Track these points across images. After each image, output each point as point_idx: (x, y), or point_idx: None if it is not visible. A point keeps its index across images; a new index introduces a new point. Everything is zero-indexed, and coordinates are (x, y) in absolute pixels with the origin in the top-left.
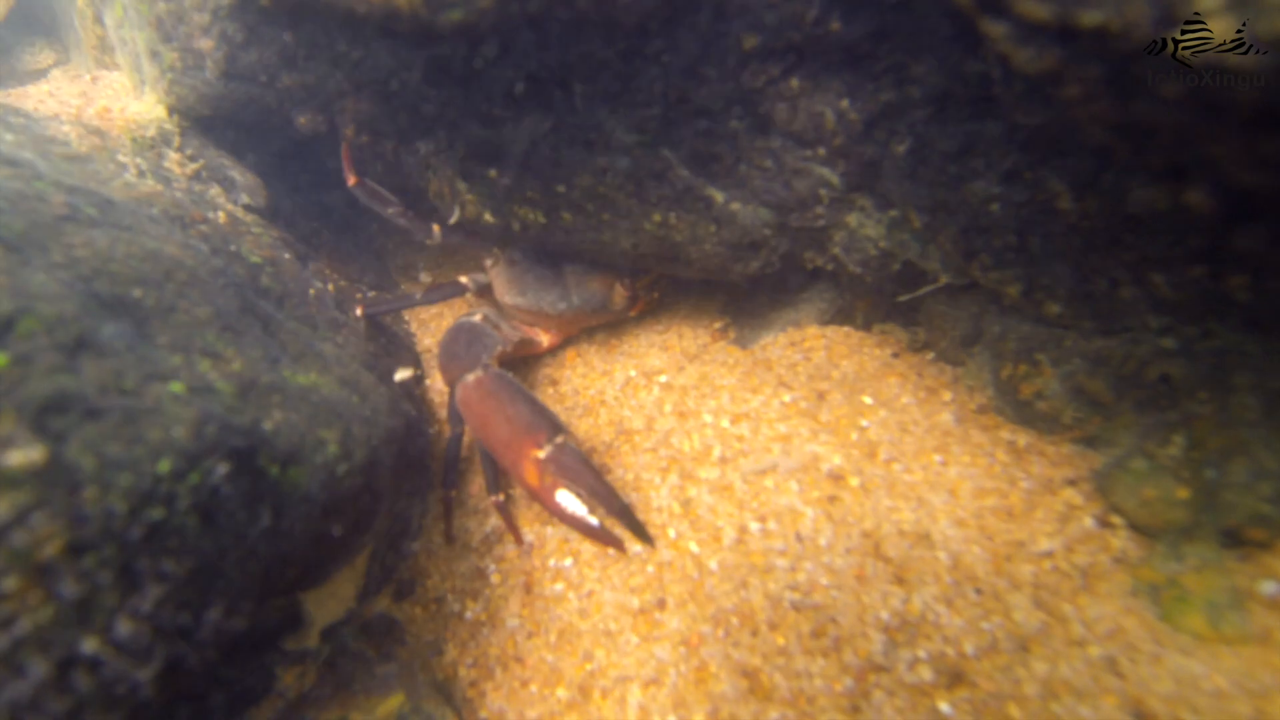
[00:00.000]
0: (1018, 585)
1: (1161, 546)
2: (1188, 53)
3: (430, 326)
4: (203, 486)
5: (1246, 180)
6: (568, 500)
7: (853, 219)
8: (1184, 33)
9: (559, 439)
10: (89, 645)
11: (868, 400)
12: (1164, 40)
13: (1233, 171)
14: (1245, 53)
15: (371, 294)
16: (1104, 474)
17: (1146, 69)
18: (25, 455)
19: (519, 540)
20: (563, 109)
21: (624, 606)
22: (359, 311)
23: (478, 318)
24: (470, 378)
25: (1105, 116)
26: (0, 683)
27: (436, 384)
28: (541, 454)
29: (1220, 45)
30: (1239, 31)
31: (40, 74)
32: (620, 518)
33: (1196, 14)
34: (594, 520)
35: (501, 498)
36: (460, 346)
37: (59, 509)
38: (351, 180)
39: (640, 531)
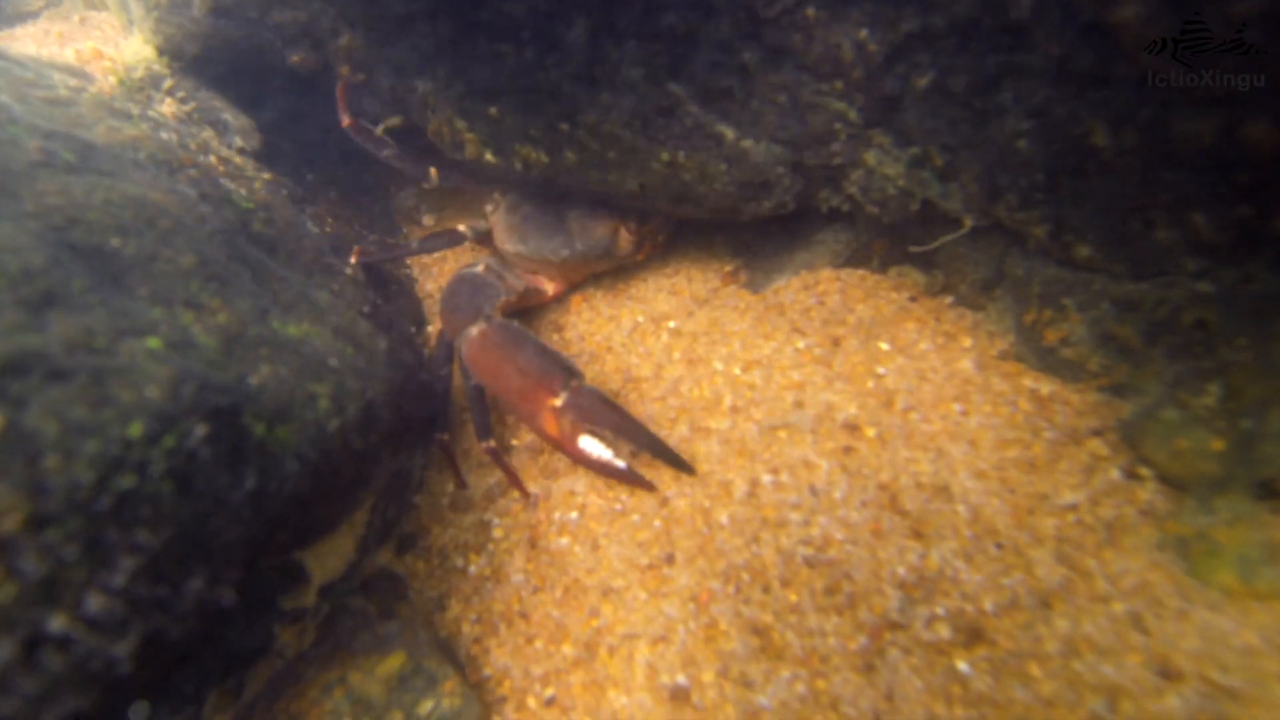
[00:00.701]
0: (1040, 539)
1: (1191, 499)
2: None
3: (432, 271)
4: (179, 450)
5: None
6: (591, 445)
7: (871, 157)
8: None
9: (574, 383)
10: (57, 623)
11: (884, 346)
12: None
13: None
14: None
15: (371, 239)
16: (1132, 424)
17: None
18: None
19: (523, 493)
20: (566, 42)
21: (632, 561)
22: (354, 258)
23: (480, 268)
24: (474, 330)
25: (1150, 30)
26: None
27: (438, 329)
28: (559, 401)
29: None
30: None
31: (31, 16)
32: (652, 451)
33: None
34: (621, 463)
35: (492, 444)
36: (462, 298)
37: (18, 480)
38: (346, 121)
39: (677, 461)
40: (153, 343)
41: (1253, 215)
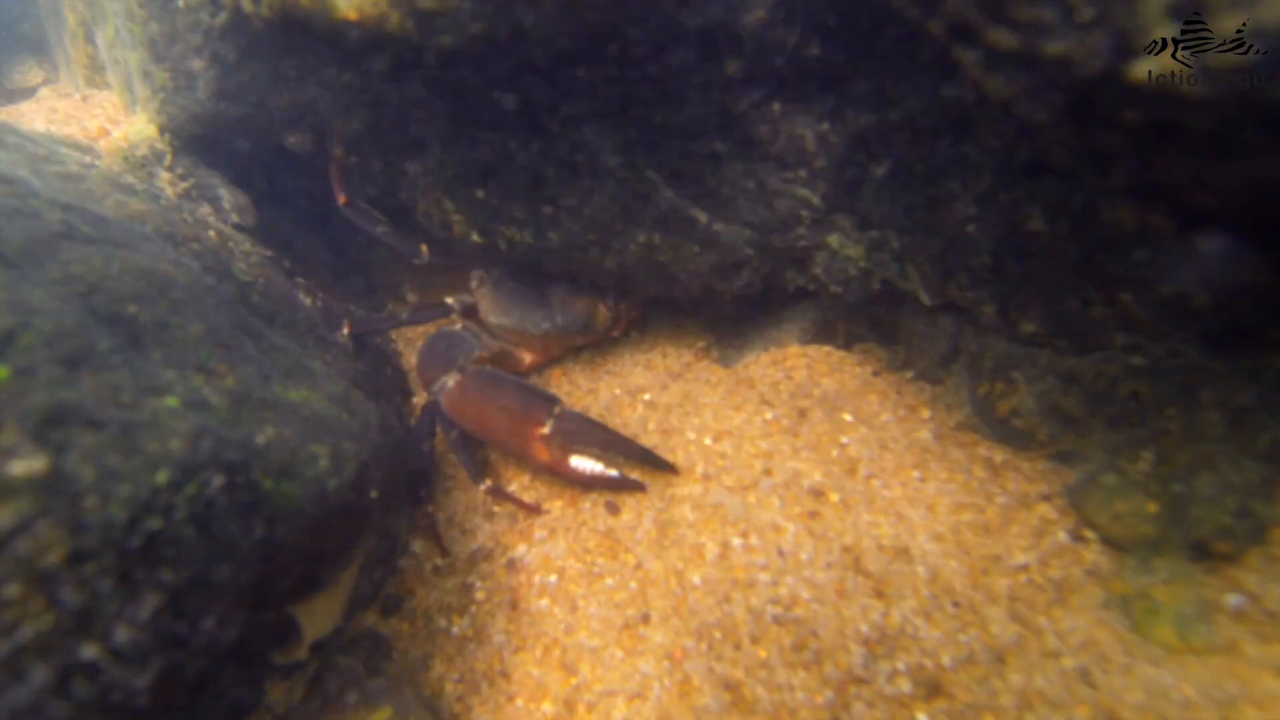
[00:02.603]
0: (994, 598)
1: (1132, 560)
2: (1145, 79)
3: (416, 345)
4: (199, 498)
5: (1201, 201)
6: (582, 463)
7: (833, 239)
8: (1140, 62)
9: (557, 409)
10: (88, 652)
11: (848, 418)
12: (1120, 70)
13: (1188, 193)
14: (1195, 82)
15: (359, 312)
16: (1077, 489)
17: (1107, 97)
18: (28, 465)
19: (533, 510)
20: (549, 131)
21: (608, 621)
22: (346, 330)
23: (458, 326)
24: (451, 381)
25: (1070, 141)
26: (1, 688)
27: (423, 401)
28: (546, 429)
29: (1172, 76)
30: (1187, 65)
31: (29, 92)
32: (638, 458)
33: (1150, 45)
34: (613, 472)
35: (489, 483)
36: (439, 351)
37: (61, 518)
38: (341, 200)
39: (662, 464)
40: (171, 401)
41: (1172, 294)
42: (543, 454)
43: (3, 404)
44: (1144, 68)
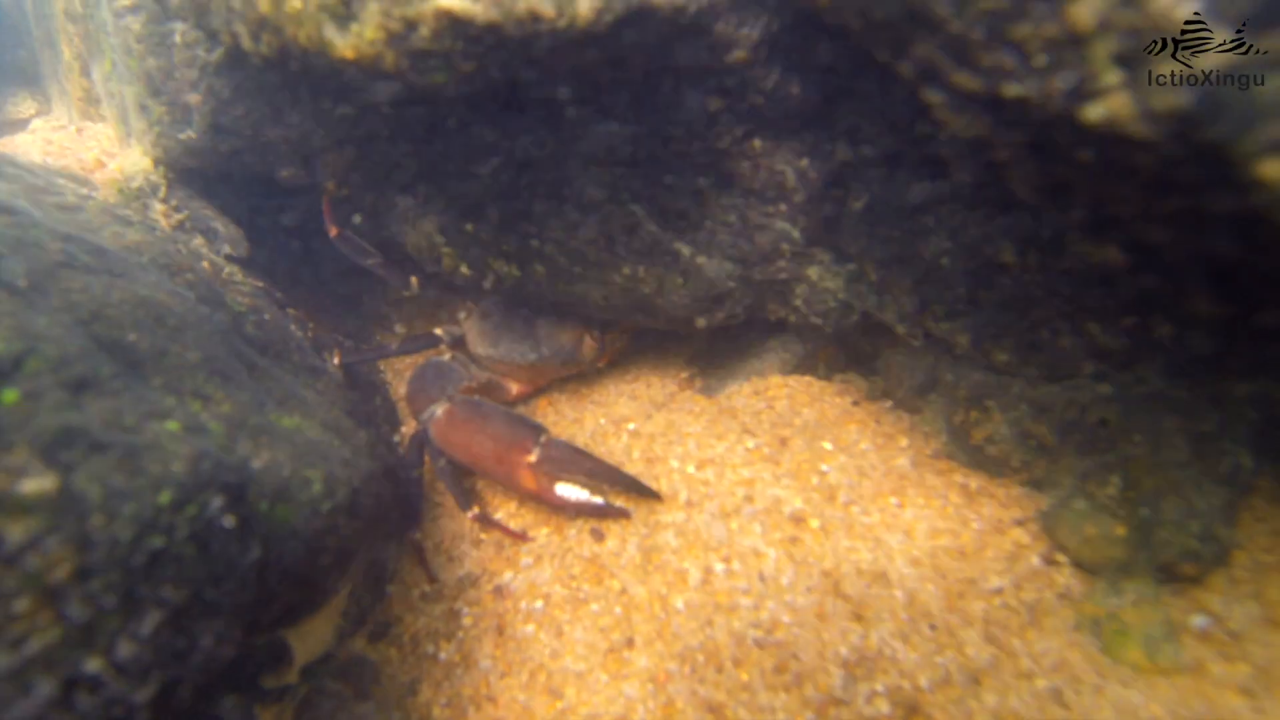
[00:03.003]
0: (970, 621)
1: (1102, 582)
2: (1096, 121)
3: (405, 376)
4: (199, 518)
5: (1152, 236)
6: (568, 491)
7: (813, 272)
8: (1092, 105)
9: (543, 438)
10: (92, 665)
11: (828, 446)
12: (1074, 111)
13: (1139, 228)
14: (1140, 124)
15: (348, 343)
16: (1049, 514)
17: (1063, 136)
18: (38, 484)
19: (520, 538)
20: (538, 166)
21: (593, 646)
22: (336, 360)
23: (446, 356)
24: (440, 410)
25: (1032, 178)
26: (7, 701)
27: (411, 430)
28: (533, 457)
29: (1120, 116)
30: (1136, 104)
31: (22, 124)
32: (623, 486)
33: (1101, 88)
34: (599, 500)
35: (477, 510)
36: (428, 381)
37: (69, 535)
38: (333, 232)
39: (647, 491)
40: (172, 425)
41: (1136, 324)
42: (529, 482)
43: (13, 426)
44: (1094, 110)
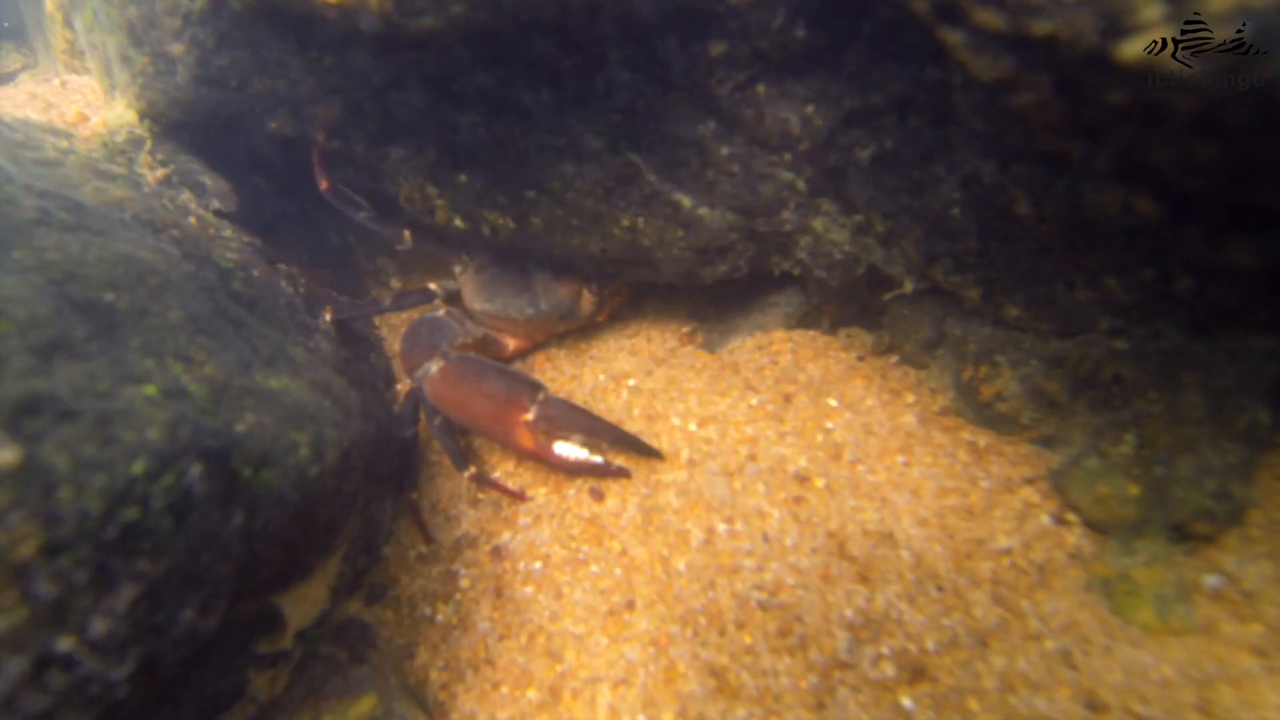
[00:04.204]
0: (977, 582)
1: (1113, 542)
2: (1133, 60)
3: (400, 331)
4: (176, 487)
5: (1187, 184)
6: (567, 450)
7: (818, 223)
8: (1129, 42)
9: (540, 395)
10: (64, 644)
11: (833, 403)
12: (1109, 49)
13: (1174, 176)
14: (1183, 63)
15: (341, 299)
16: (1060, 472)
17: (1094, 76)
18: (1, 456)
19: (518, 497)
20: (533, 114)
21: (593, 608)
22: (328, 316)
23: (441, 312)
24: (435, 367)
25: (1057, 123)
26: None
27: (407, 388)
28: (530, 415)
29: (1161, 55)
30: (1178, 40)
31: (8, 78)
32: (622, 444)
33: (1140, 24)
34: (598, 458)
35: (473, 470)
36: (422, 337)
37: (34, 509)
38: (323, 185)
39: (647, 450)
40: (149, 390)
41: (1156, 278)
42: (527, 441)
43: None
44: (1133, 47)
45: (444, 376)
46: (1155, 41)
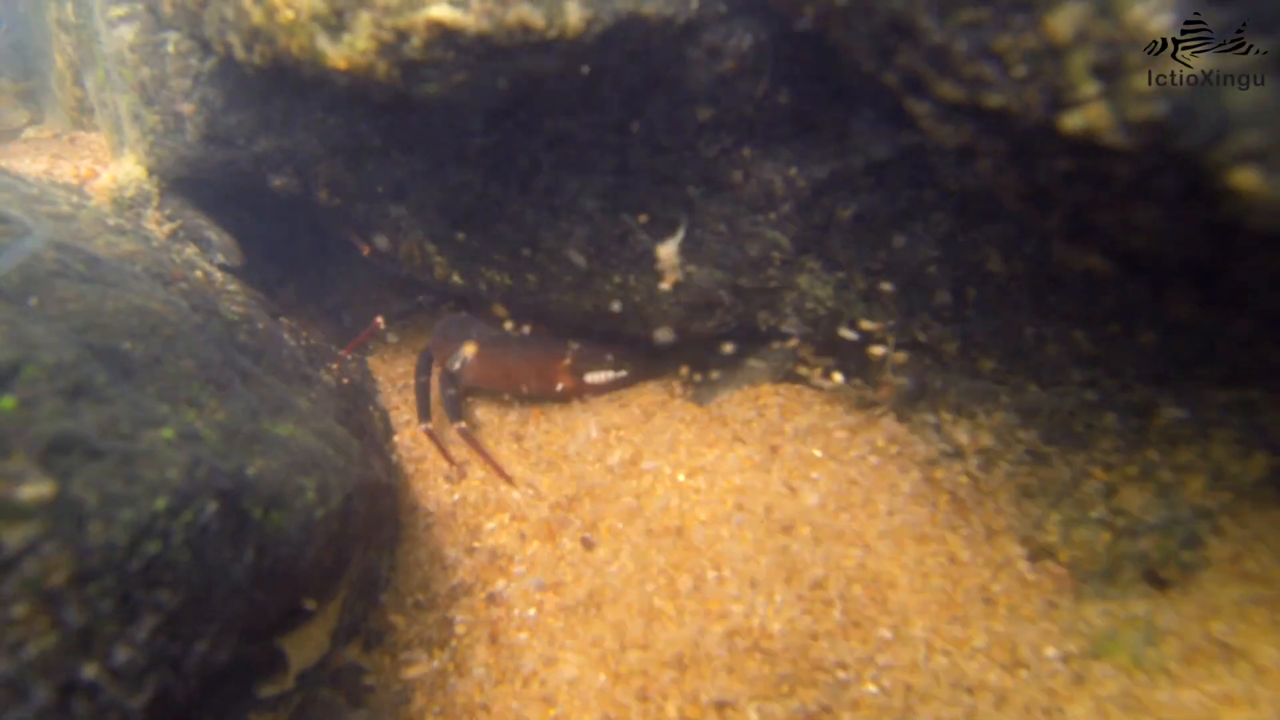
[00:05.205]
0: (963, 627)
1: (1089, 587)
2: (1074, 130)
3: (398, 384)
4: (194, 524)
5: (1131, 243)
6: (596, 376)
7: (803, 280)
8: (1069, 115)
9: (574, 346)
10: (89, 671)
11: (818, 454)
12: (1054, 120)
13: (1119, 235)
14: (1116, 134)
15: (342, 353)
16: (1037, 520)
17: (1043, 144)
18: (36, 490)
19: (500, 472)
20: (529, 175)
21: (586, 653)
22: (345, 352)
23: (463, 314)
24: (469, 349)
25: (1014, 187)
26: (4, 707)
27: (404, 440)
28: (568, 360)
29: (1097, 125)
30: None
31: (14, 133)
32: (640, 366)
33: (1079, 99)
34: (623, 373)
35: (463, 424)
36: (453, 331)
37: (66, 540)
38: (365, 250)
39: (655, 367)
40: (167, 432)
41: (1120, 331)
42: (566, 380)
43: (10, 432)
44: (1074, 119)
45: (479, 355)
46: (1092, 114)
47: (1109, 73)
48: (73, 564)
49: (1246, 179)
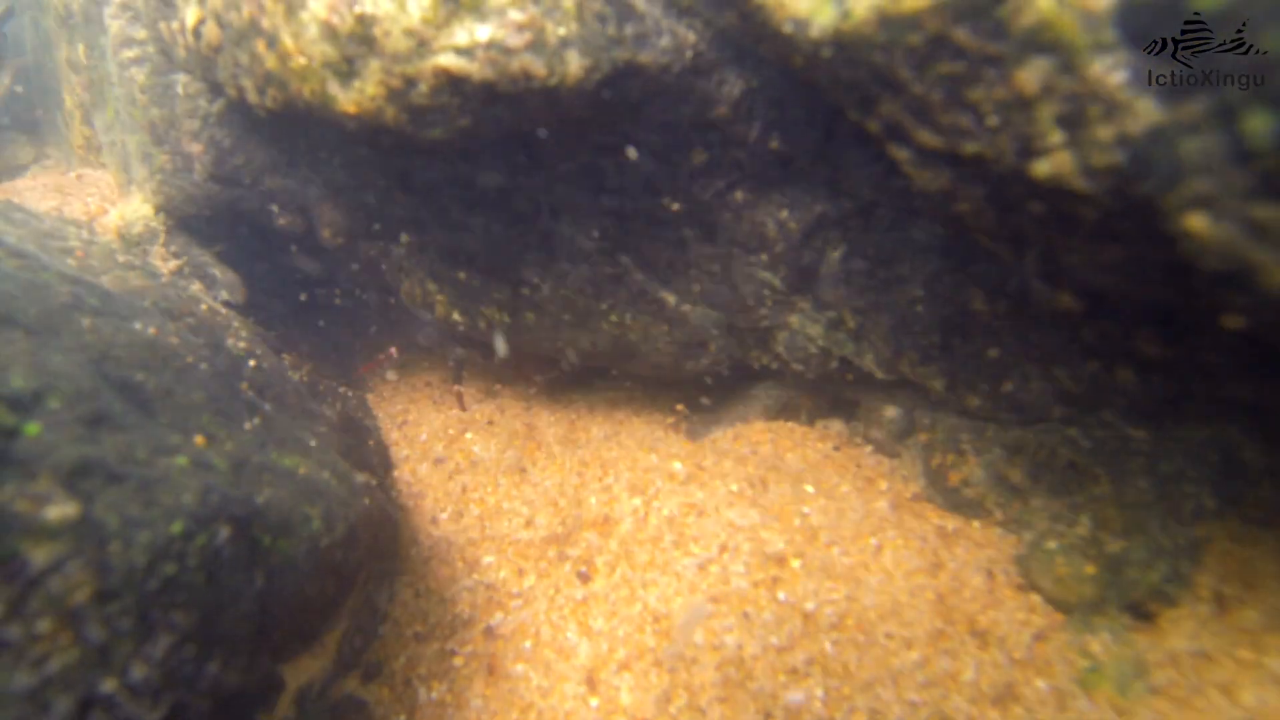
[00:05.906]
0: (950, 659)
1: (1074, 620)
2: (1043, 176)
3: (398, 421)
4: (208, 548)
5: (1100, 282)
6: None
7: (794, 319)
8: (1039, 162)
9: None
10: (107, 686)
11: (809, 489)
12: (1025, 166)
13: (1089, 275)
14: (1086, 179)
15: (341, 389)
16: (1023, 554)
17: (1016, 189)
18: (61, 511)
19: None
20: (529, 216)
21: (581, 684)
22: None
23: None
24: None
25: (991, 228)
26: (26, 719)
27: (404, 475)
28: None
29: (1063, 171)
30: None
31: (20, 169)
32: None
33: (1046, 147)
34: None
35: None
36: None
37: (89, 559)
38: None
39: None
40: (181, 460)
41: (1100, 369)
42: None
43: (36, 456)
44: (1043, 166)
45: None
46: (1059, 160)
47: (1073, 123)
48: (95, 583)
49: (1197, 223)
